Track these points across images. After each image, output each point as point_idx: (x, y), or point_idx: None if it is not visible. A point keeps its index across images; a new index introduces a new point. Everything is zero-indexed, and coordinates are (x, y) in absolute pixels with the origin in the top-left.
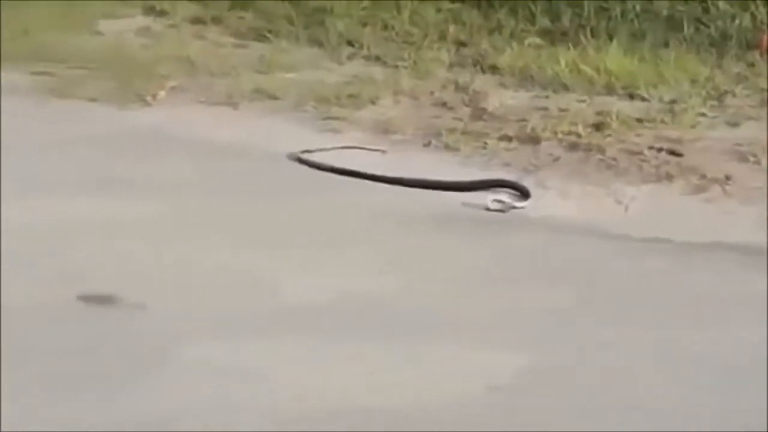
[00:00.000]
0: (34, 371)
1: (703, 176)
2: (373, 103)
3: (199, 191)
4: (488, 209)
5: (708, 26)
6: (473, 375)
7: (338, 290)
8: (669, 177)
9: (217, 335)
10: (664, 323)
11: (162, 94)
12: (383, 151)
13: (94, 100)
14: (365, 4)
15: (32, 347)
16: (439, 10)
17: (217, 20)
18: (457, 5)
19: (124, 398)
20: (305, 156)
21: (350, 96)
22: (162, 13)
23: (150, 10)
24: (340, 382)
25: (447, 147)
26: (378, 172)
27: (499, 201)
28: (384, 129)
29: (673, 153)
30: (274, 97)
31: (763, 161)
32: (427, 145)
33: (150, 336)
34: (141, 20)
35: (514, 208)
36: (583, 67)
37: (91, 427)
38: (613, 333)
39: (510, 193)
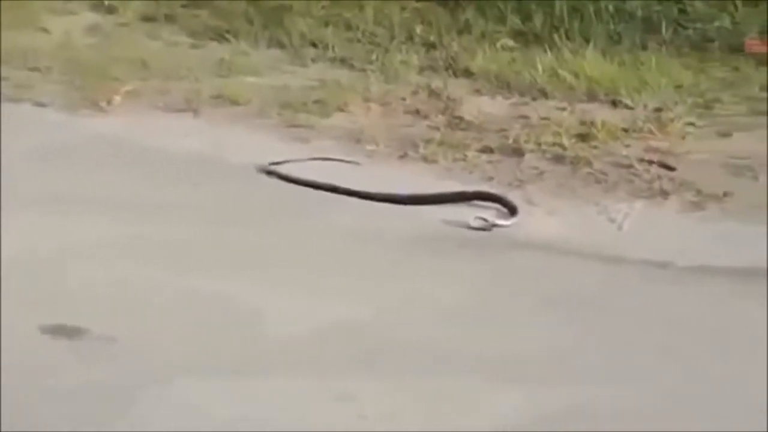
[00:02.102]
0: None
1: (699, 192)
2: (341, 109)
3: (161, 209)
4: (471, 227)
5: (686, 28)
6: (470, 411)
7: (315, 320)
8: (663, 193)
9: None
10: (664, 352)
11: (117, 99)
12: (357, 164)
13: (43, 105)
14: (324, 2)
15: None
16: (404, 9)
17: (170, 18)
18: (422, 3)
19: None
20: (274, 168)
21: (317, 102)
22: (111, 10)
23: (98, 7)
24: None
25: (424, 159)
26: (352, 186)
27: (483, 218)
28: (355, 138)
29: (665, 166)
30: (236, 103)
31: (762, 177)
32: (403, 156)
33: (119, 372)
34: (89, 17)
35: (498, 225)
36: (561, 72)
37: None
38: (609, 364)
39: (496, 209)
